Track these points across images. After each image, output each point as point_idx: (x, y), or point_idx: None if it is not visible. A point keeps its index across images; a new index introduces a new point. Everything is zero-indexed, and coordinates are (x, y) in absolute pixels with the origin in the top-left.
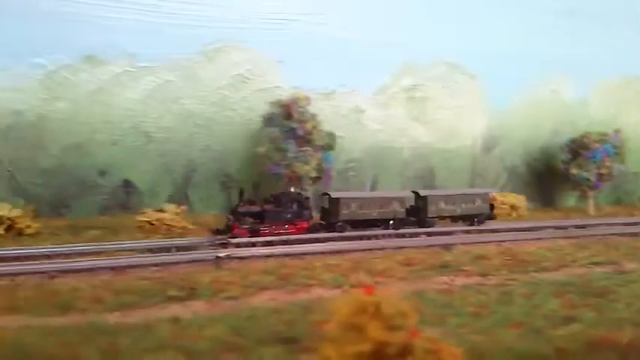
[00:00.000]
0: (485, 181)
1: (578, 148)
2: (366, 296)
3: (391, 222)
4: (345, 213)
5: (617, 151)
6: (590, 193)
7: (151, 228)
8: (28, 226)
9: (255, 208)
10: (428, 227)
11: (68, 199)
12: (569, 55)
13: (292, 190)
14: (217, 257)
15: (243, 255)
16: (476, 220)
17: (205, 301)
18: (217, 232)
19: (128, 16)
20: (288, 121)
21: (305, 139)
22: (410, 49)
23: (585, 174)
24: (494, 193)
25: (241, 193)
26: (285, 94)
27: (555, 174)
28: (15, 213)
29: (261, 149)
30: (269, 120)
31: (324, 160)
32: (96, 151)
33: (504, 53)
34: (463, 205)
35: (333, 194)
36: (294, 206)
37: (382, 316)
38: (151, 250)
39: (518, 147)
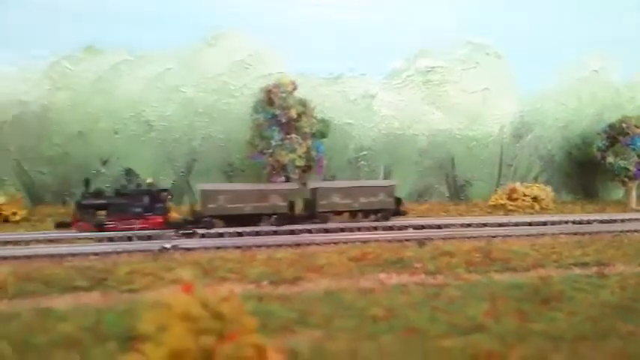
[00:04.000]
0: (516, 171)
1: (616, 135)
2: (179, 296)
3: (273, 217)
4: (211, 207)
5: None
6: (631, 184)
7: None
8: (14, 213)
9: (99, 201)
10: (320, 223)
11: (72, 187)
12: (615, 32)
13: (148, 181)
14: (163, 248)
15: (191, 246)
16: (379, 215)
17: (102, 293)
18: (59, 225)
19: (126, 4)
20: (271, 108)
21: (291, 126)
22: (427, 28)
23: (623, 163)
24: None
25: (87, 183)
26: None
27: (597, 163)
28: (0, 200)
29: (247, 137)
30: (255, 107)
31: (313, 148)
32: (98, 140)
33: (538, 31)
34: (362, 199)
35: (205, 186)
36: (145, 200)
37: (190, 317)
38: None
39: (555, 134)
